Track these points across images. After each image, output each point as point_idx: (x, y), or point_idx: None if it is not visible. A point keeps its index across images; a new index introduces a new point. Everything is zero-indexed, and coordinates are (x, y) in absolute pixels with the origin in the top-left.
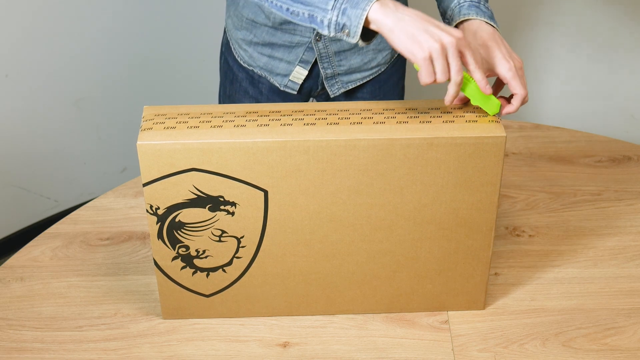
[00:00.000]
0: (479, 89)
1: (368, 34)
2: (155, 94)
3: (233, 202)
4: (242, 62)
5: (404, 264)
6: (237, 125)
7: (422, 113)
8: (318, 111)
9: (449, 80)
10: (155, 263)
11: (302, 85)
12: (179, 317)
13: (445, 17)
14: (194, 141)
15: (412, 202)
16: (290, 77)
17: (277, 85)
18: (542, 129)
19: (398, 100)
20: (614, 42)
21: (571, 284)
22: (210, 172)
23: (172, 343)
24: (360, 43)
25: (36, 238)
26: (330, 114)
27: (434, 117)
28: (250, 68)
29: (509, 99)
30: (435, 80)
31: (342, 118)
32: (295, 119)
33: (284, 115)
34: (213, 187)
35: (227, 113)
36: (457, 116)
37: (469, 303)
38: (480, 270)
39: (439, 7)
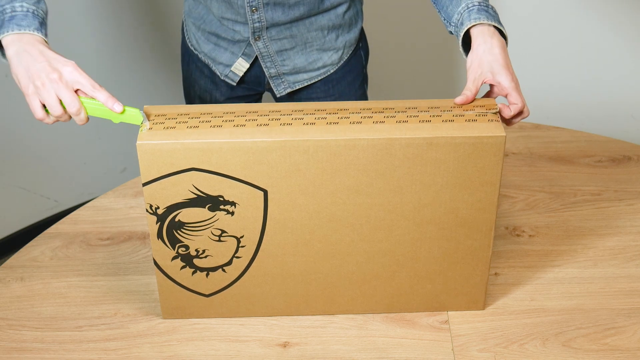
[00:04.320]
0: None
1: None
2: (155, 94)
3: (233, 201)
4: (189, 46)
5: (403, 264)
6: (237, 125)
7: (421, 112)
8: (318, 110)
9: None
10: (155, 263)
11: (245, 76)
12: (179, 317)
13: (452, 22)
14: (194, 141)
15: (411, 202)
16: (232, 68)
17: (219, 74)
18: (542, 129)
19: (397, 100)
20: (614, 42)
21: (571, 284)
22: (210, 171)
23: (172, 343)
24: None
25: (36, 238)
26: (329, 114)
27: (433, 116)
28: (196, 53)
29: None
30: (46, 118)
31: (341, 117)
32: (295, 119)
33: (284, 115)
34: (213, 186)
35: (227, 113)
36: (456, 116)
37: (469, 303)
38: (480, 270)
39: (441, 14)
